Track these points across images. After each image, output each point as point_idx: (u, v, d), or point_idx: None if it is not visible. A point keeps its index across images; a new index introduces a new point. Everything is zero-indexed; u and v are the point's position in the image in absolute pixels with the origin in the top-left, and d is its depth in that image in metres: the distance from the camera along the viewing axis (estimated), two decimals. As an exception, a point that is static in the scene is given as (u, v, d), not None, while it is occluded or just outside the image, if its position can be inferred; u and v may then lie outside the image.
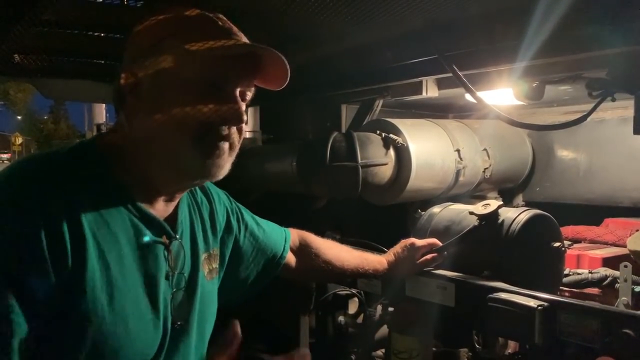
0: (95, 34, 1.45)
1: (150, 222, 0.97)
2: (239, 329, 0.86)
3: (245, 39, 0.98)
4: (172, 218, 1.03)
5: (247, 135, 2.45)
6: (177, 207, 1.05)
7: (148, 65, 0.92)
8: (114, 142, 0.97)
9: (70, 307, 0.83)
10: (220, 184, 1.26)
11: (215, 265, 1.16)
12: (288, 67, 0.97)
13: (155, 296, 0.95)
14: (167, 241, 0.99)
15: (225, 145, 0.95)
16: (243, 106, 0.98)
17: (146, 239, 0.96)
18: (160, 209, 1.00)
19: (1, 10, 1.18)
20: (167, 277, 0.98)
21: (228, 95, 0.94)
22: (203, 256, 1.11)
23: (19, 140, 24.42)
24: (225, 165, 0.97)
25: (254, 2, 1.39)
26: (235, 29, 0.97)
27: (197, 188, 1.18)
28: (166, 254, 0.98)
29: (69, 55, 1.68)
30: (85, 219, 0.86)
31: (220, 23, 0.96)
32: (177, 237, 1.02)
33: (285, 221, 1.47)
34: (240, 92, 0.97)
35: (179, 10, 0.96)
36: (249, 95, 1.00)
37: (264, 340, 2.19)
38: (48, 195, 0.84)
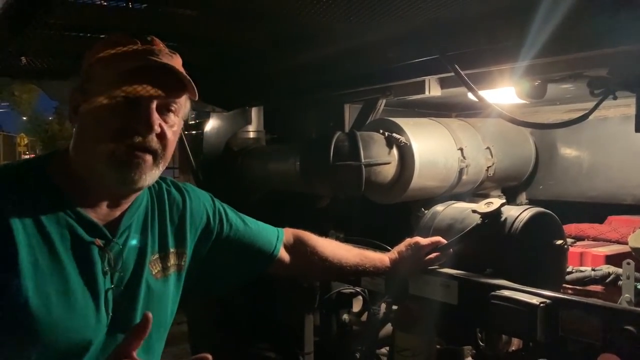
0: (101, 36, 1.47)
1: (86, 225, 1.07)
2: (149, 318, 0.94)
3: (167, 57, 1.07)
4: (117, 222, 1.12)
5: (251, 135, 2.47)
6: (125, 211, 1.14)
7: (82, 87, 1.07)
8: (65, 156, 1.09)
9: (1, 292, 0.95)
10: (225, 184, 1.28)
11: (174, 262, 1.23)
12: (192, 82, 1.07)
13: (90, 290, 1.05)
14: (101, 242, 1.08)
15: (144, 155, 1.04)
16: (170, 117, 1.07)
17: (81, 239, 1.06)
18: (104, 213, 1.10)
19: (10, 14, 1.20)
20: (105, 275, 1.08)
21: (141, 108, 1.03)
22: (153, 256, 1.18)
23: (24, 140, 24.52)
24: (147, 173, 1.05)
25: (257, 4, 1.40)
26: (156, 49, 1.06)
27: (172, 189, 1.28)
28: (102, 253, 1.08)
29: (75, 58, 1.69)
30: (17, 220, 0.99)
31: (138, 45, 1.05)
32: (115, 240, 1.10)
33: (288, 220, 1.49)
34: (161, 104, 1.06)
35: (112, 37, 1.08)
36: (175, 107, 1.09)
37: (269, 338, 2.22)
38: None
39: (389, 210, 2.05)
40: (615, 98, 1.46)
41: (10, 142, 24.42)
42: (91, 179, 1.07)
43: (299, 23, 1.56)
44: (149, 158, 1.05)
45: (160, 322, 1.20)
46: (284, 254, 1.44)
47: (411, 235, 1.67)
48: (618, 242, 1.91)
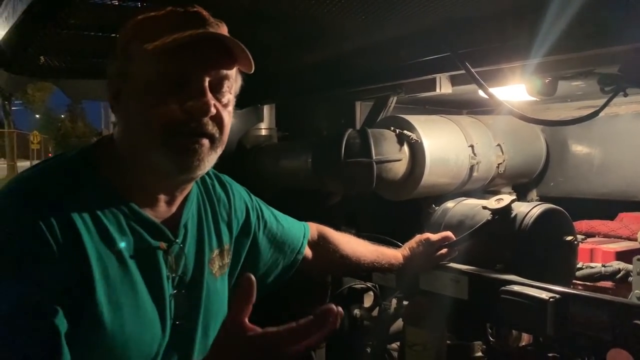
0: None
1: (149, 227, 0.99)
2: (253, 280, 0.84)
3: (215, 26, 0.95)
4: (175, 219, 1.05)
5: (263, 132, 2.49)
6: (182, 207, 1.06)
7: (121, 70, 0.96)
8: (112, 148, 1.01)
9: (74, 305, 0.87)
10: (238, 181, 1.30)
11: (228, 260, 1.18)
12: (247, 51, 0.95)
13: (157, 298, 0.98)
14: (165, 246, 1.01)
15: (201, 140, 0.95)
16: (224, 96, 0.97)
17: (146, 243, 0.98)
18: (162, 210, 1.03)
19: (32, 14, 1.22)
20: (167, 279, 1.01)
21: (194, 89, 0.93)
22: (213, 254, 1.12)
23: (37, 138, 24.79)
24: (204, 159, 0.96)
25: (269, 2, 1.42)
26: (203, 16, 0.95)
27: (215, 183, 1.20)
28: (165, 257, 1.01)
29: (92, 56, 1.73)
30: (83, 229, 0.90)
31: (186, 15, 0.94)
32: (177, 240, 1.03)
33: (300, 217, 1.51)
34: (213, 82, 0.95)
35: (148, 10, 0.97)
36: (228, 84, 0.98)
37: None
38: (49, 213, 0.88)
39: (400, 207, 2.07)
40: (626, 95, 1.47)
41: (23, 140, 24.68)
42: (146, 171, 0.98)
43: (310, 21, 1.57)
44: (206, 142, 0.95)
45: (219, 323, 1.08)
46: (307, 251, 1.43)
47: (421, 232, 1.69)
48: (629, 239, 1.91)
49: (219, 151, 1.00)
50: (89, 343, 0.89)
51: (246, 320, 0.83)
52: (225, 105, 0.99)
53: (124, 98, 0.96)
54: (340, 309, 0.84)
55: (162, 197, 1.02)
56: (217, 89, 0.97)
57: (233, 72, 1.00)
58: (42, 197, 0.90)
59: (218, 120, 0.97)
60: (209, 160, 0.98)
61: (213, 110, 0.95)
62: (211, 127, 0.96)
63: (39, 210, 0.87)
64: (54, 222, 0.87)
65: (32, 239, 0.85)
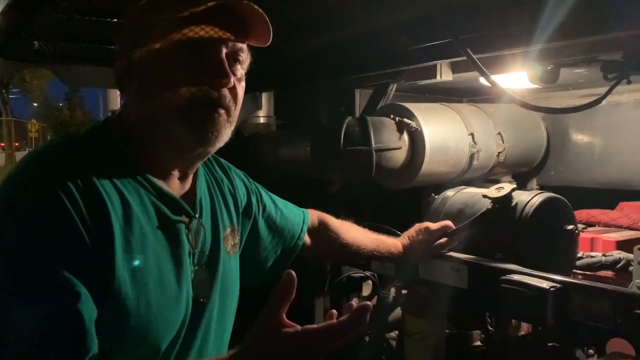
0: (114, 20, 1.47)
1: (169, 201, 0.98)
2: (294, 277, 0.82)
3: None
4: (190, 195, 1.04)
5: (261, 120, 2.47)
6: (194, 184, 1.06)
7: (134, 44, 0.93)
8: (123, 125, 0.98)
9: (98, 287, 0.84)
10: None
11: (237, 240, 1.17)
12: (267, 20, 0.94)
13: (179, 274, 0.96)
14: (187, 220, 1.00)
15: (219, 110, 0.94)
16: (238, 68, 0.96)
17: (167, 218, 0.96)
18: (176, 186, 1.01)
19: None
20: (189, 255, 0.99)
21: (211, 58, 0.92)
22: (226, 231, 1.11)
23: (36, 127, 24.72)
24: (222, 131, 0.95)
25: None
26: None
27: (215, 166, 1.19)
28: (187, 232, 0.99)
29: (87, 42, 1.70)
30: (108, 201, 0.88)
31: None
32: (196, 215, 1.02)
33: (300, 206, 1.49)
34: (228, 53, 0.94)
35: None
36: (243, 56, 0.97)
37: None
38: (70, 182, 0.85)
39: (400, 196, 2.05)
40: (629, 82, 1.45)
41: (21, 128, 24.61)
42: (161, 145, 0.96)
43: (310, 7, 1.55)
44: (223, 113, 0.94)
45: (233, 303, 1.12)
46: (307, 238, 1.42)
47: (421, 221, 1.68)
48: (629, 228, 1.90)
49: (233, 126, 0.98)
50: (114, 322, 0.86)
51: (284, 315, 0.82)
52: (239, 79, 0.98)
53: (137, 72, 0.94)
54: (369, 304, 0.82)
55: (176, 173, 1.01)
56: (232, 61, 0.95)
57: (245, 47, 0.98)
58: (63, 170, 0.87)
59: (234, 93, 0.96)
60: (226, 133, 0.96)
61: (232, 83, 0.94)
62: (229, 99, 0.95)
63: (62, 183, 0.84)
64: (76, 194, 0.84)
65: (55, 213, 0.82)
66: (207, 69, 0.92)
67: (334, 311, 0.89)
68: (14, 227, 0.81)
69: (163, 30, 0.90)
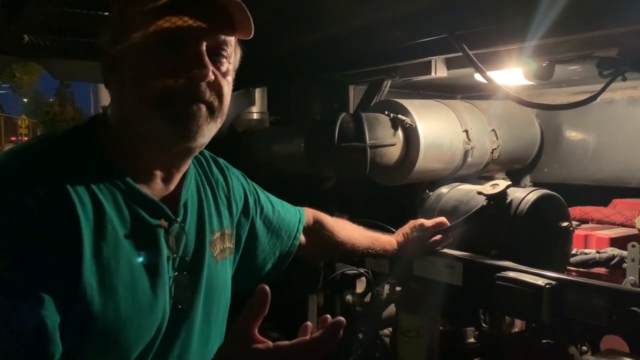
0: (105, 13, 1.45)
1: (148, 204, 0.94)
2: (267, 290, 0.79)
3: None
4: (173, 198, 1.00)
5: (255, 116, 2.46)
6: (180, 186, 1.02)
7: (116, 39, 0.90)
8: (106, 124, 0.96)
9: (63, 292, 0.82)
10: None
11: (229, 245, 1.13)
12: (248, 13, 0.91)
13: (154, 280, 0.93)
14: (166, 224, 0.96)
15: (198, 106, 0.90)
16: (223, 62, 0.93)
17: (144, 222, 0.93)
18: (159, 188, 0.98)
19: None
20: (168, 261, 0.96)
21: (190, 54, 0.89)
22: (214, 236, 1.08)
23: (26, 122, 24.48)
24: (203, 127, 0.91)
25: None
26: None
27: (212, 167, 1.16)
28: (166, 237, 0.96)
29: (78, 36, 1.68)
30: (78, 204, 0.85)
31: None
32: (178, 219, 0.98)
33: (293, 202, 1.48)
34: (212, 47, 0.91)
35: None
36: (228, 50, 0.94)
37: (271, 318, 2.23)
38: (39, 185, 0.82)
39: (394, 192, 2.05)
40: (624, 79, 1.45)
41: (11, 124, 24.39)
42: (141, 144, 0.93)
43: (304, 2, 1.54)
44: (203, 108, 0.90)
45: (220, 310, 1.08)
46: (302, 237, 1.40)
47: (415, 217, 1.67)
48: (622, 225, 1.91)
49: (219, 123, 0.95)
50: (81, 328, 0.83)
51: (255, 331, 0.79)
52: (224, 74, 0.94)
53: (117, 67, 0.91)
54: (343, 319, 0.80)
55: (159, 174, 0.97)
56: (215, 55, 0.92)
57: (232, 40, 0.95)
58: (34, 171, 0.84)
59: (216, 88, 0.92)
60: (209, 129, 0.93)
61: (211, 76, 0.90)
62: (209, 95, 0.91)
63: (30, 186, 0.82)
64: (44, 197, 0.81)
65: (21, 217, 0.80)
66: (185, 62, 0.89)
67: (328, 316, 0.86)
68: None
69: (141, 23, 0.88)
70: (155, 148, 0.94)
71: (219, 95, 0.93)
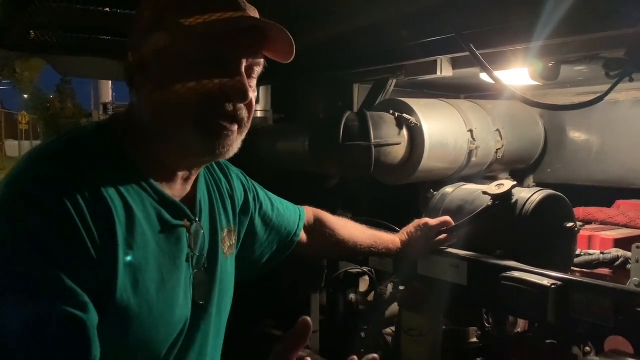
0: (111, 10, 1.45)
1: (171, 206, 0.97)
2: (309, 323, 0.80)
3: (251, 10, 0.95)
4: (191, 198, 1.03)
5: (259, 114, 2.45)
6: (195, 186, 1.05)
7: (151, 43, 0.91)
8: (129, 123, 0.97)
9: (101, 294, 0.83)
10: (233, 164, 1.27)
11: (234, 241, 1.17)
12: (292, 40, 0.94)
13: (179, 278, 0.96)
14: (188, 224, 1.00)
15: (232, 126, 0.93)
16: (253, 82, 0.96)
17: (168, 223, 0.96)
18: (178, 188, 1.01)
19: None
20: (187, 259, 0.99)
21: (232, 71, 0.92)
22: (223, 233, 1.11)
23: (26, 119, 24.46)
24: (233, 144, 0.95)
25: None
26: (242, 3, 0.94)
27: (214, 166, 1.18)
28: (187, 236, 0.99)
29: (84, 32, 1.67)
30: (113, 209, 0.87)
31: None
32: (196, 218, 1.02)
33: (297, 201, 1.48)
34: (246, 67, 0.94)
35: None
36: (258, 70, 0.98)
37: (275, 317, 2.23)
38: (75, 189, 0.83)
39: (398, 192, 2.05)
40: (632, 80, 1.45)
41: (11, 120, 24.37)
42: (171, 148, 0.95)
43: (309, 0, 1.53)
44: (235, 129, 0.94)
45: (228, 303, 1.13)
46: (303, 235, 1.42)
47: (420, 216, 1.67)
48: (626, 226, 1.91)
49: (244, 136, 0.98)
50: (116, 328, 0.85)
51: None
52: (254, 90, 0.98)
53: (154, 72, 0.92)
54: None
55: (180, 175, 1.00)
56: (249, 74, 0.95)
57: (262, 60, 0.99)
58: (68, 176, 0.85)
59: (249, 105, 0.96)
60: (237, 145, 0.97)
61: (250, 95, 0.94)
62: (244, 113, 0.95)
63: (67, 191, 0.82)
64: (82, 202, 0.83)
65: (61, 221, 0.81)
66: (228, 82, 0.92)
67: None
68: (17, 235, 0.80)
69: (190, 36, 0.89)
70: (184, 156, 0.97)
71: (250, 111, 0.97)
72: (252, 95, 0.96)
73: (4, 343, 0.76)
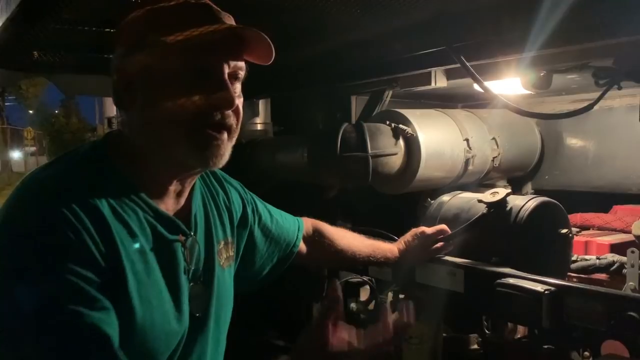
0: (112, 30, 1.48)
1: (166, 221, 0.99)
2: (339, 288, 0.89)
3: (227, 18, 0.96)
4: (185, 212, 1.05)
5: (259, 127, 2.49)
6: (189, 199, 1.06)
7: (135, 62, 0.93)
8: (121, 141, 0.99)
9: (114, 303, 0.87)
10: (231, 175, 1.30)
11: (232, 252, 1.18)
12: (270, 42, 0.95)
13: (176, 291, 0.98)
14: (184, 238, 1.01)
15: (222, 135, 0.95)
16: (237, 86, 0.98)
17: (164, 238, 0.98)
18: (171, 202, 1.02)
19: (25, 8, 1.21)
20: (184, 272, 1.01)
21: (216, 81, 0.93)
22: (219, 245, 1.13)
23: (31, 134, 24.64)
24: (225, 153, 0.97)
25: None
26: (215, 9, 0.96)
27: (211, 178, 1.20)
28: (183, 250, 1.01)
29: (86, 51, 1.71)
30: (111, 223, 0.89)
31: (199, 8, 0.94)
32: (192, 232, 1.04)
33: (296, 212, 1.51)
34: (230, 73, 0.96)
35: (149, 2, 0.95)
36: (241, 73, 0.99)
37: (277, 326, 2.25)
38: (77, 206, 0.86)
39: (396, 201, 2.07)
40: (620, 88, 1.47)
41: (17, 136, 24.54)
42: (163, 163, 0.97)
43: (305, 15, 1.57)
44: (225, 137, 0.95)
45: (227, 314, 1.14)
46: (302, 246, 1.43)
47: (417, 225, 1.69)
48: (623, 231, 1.92)
49: (234, 141, 1.00)
50: (122, 339, 0.87)
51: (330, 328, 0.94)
52: (239, 95, 0.99)
53: (140, 91, 0.94)
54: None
55: (173, 189, 1.02)
56: (232, 79, 0.97)
57: (244, 63, 1.00)
58: (70, 192, 0.88)
59: (236, 111, 0.97)
60: (228, 152, 0.98)
61: (236, 103, 0.96)
62: (232, 119, 0.96)
63: (71, 206, 0.85)
64: (85, 218, 0.86)
65: (71, 236, 0.84)
66: (211, 90, 0.93)
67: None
68: (30, 253, 0.82)
69: (171, 52, 0.91)
70: (176, 169, 0.99)
71: (238, 117, 0.98)
72: (239, 100, 0.98)
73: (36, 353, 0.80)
